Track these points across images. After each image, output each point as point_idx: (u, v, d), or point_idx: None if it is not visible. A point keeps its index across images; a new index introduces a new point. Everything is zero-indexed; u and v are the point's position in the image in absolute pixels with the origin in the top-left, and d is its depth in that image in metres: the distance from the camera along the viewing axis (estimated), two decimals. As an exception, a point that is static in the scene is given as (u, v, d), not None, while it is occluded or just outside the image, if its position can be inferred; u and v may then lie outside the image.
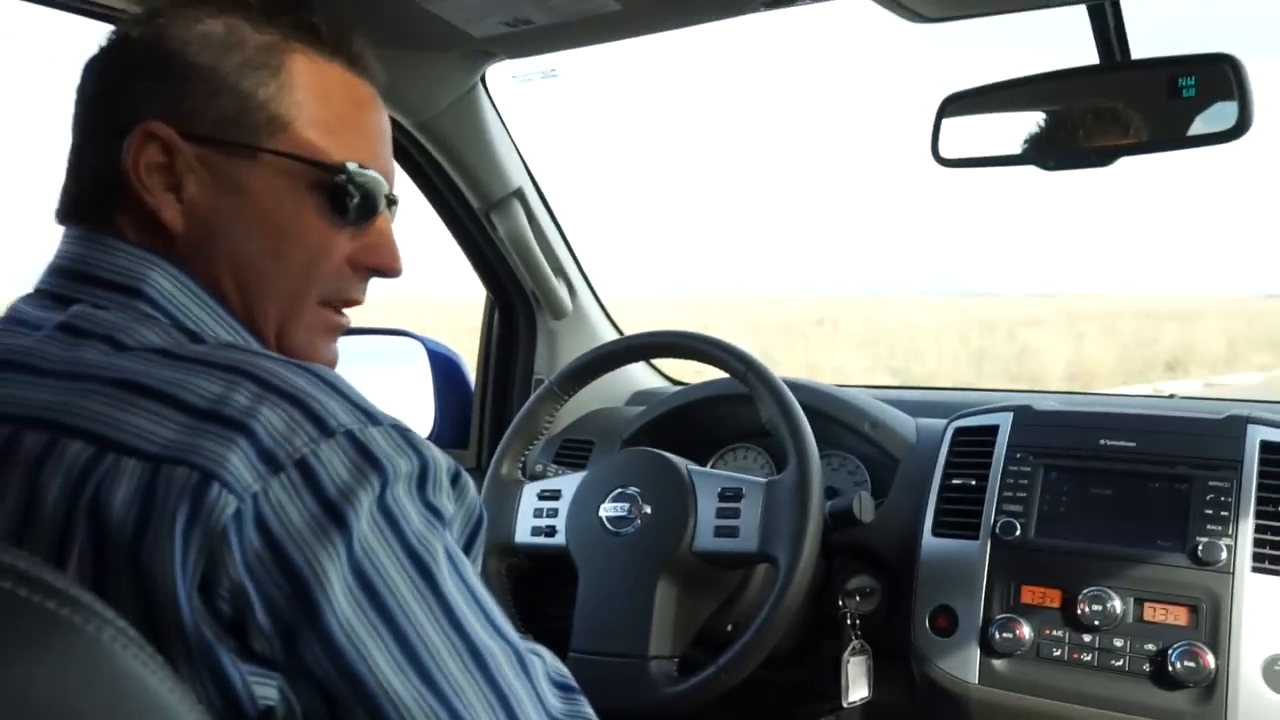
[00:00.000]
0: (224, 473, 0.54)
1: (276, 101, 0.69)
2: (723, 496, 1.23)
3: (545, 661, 0.67)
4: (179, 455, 0.55)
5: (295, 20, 0.71)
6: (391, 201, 0.76)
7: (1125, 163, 1.11)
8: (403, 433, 0.60)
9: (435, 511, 0.60)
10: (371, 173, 0.73)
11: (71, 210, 0.71)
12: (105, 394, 0.58)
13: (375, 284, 0.79)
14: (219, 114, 0.68)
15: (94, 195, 0.70)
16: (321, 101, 0.71)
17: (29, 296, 0.70)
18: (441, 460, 0.62)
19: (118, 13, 1.09)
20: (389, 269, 0.77)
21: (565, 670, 0.70)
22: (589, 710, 0.68)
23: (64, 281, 0.68)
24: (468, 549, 0.64)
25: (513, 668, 0.60)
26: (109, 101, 0.69)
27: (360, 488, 0.56)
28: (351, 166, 0.71)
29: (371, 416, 0.60)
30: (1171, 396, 1.77)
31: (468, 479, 0.64)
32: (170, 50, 0.68)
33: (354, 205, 0.72)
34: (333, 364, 0.76)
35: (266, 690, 0.55)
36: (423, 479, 0.60)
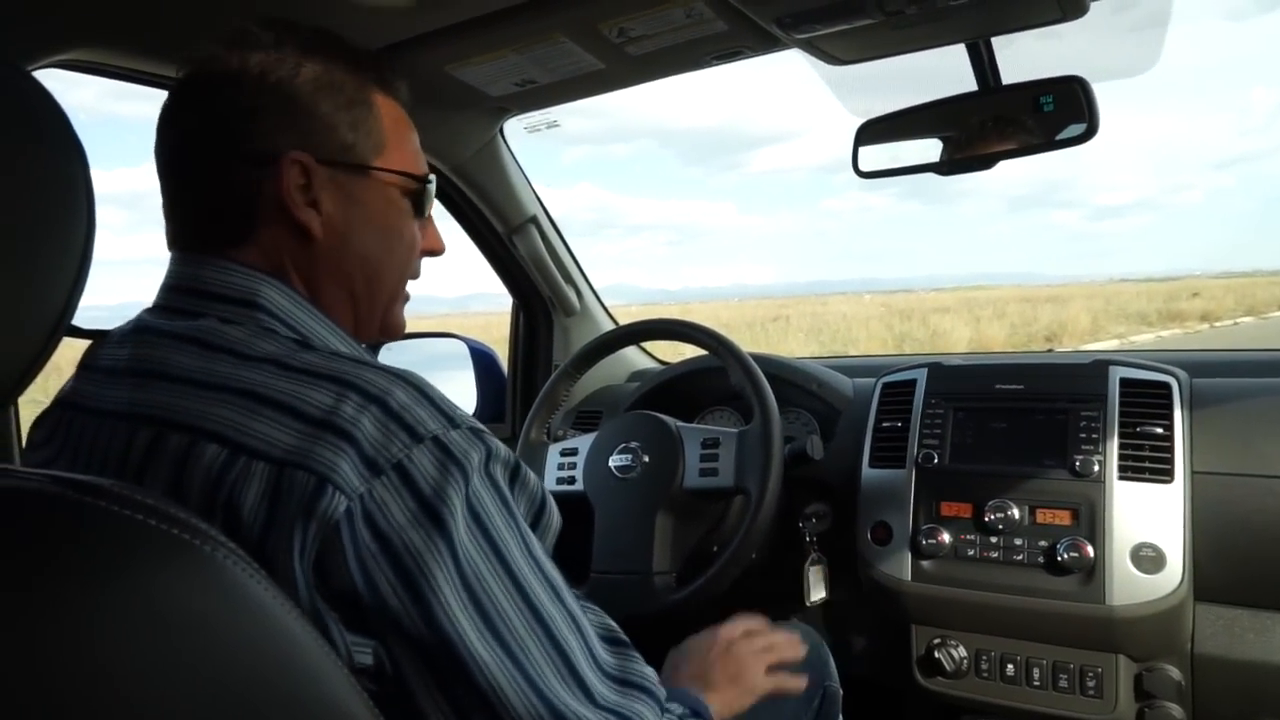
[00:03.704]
0: (336, 476, 0.52)
1: (375, 131, 0.68)
2: (704, 445, 1.22)
3: (595, 620, 0.65)
4: (299, 460, 0.52)
5: (374, 65, 0.69)
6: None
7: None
8: (476, 431, 0.58)
9: (500, 492, 0.58)
10: (432, 178, 0.73)
11: (183, 237, 0.66)
12: (234, 403, 0.55)
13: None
14: (338, 142, 0.65)
15: (219, 220, 0.64)
16: (395, 129, 0.70)
17: (152, 310, 0.65)
18: (502, 450, 0.59)
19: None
20: (438, 249, 0.76)
21: (615, 626, 0.67)
22: (639, 663, 0.65)
23: (184, 298, 0.63)
24: (534, 526, 0.62)
25: (571, 630, 0.59)
26: (231, 133, 0.63)
27: (450, 486, 0.54)
28: (429, 176, 0.72)
29: (452, 420, 0.57)
30: (1050, 351, 1.76)
31: (527, 470, 0.62)
32: (287, 91, 0.63)
33: (424, 204, 0.72)
34: (404, 326, 0.75)
35: (363, 656, 0.54)
36: (488, 461, 0.58)
